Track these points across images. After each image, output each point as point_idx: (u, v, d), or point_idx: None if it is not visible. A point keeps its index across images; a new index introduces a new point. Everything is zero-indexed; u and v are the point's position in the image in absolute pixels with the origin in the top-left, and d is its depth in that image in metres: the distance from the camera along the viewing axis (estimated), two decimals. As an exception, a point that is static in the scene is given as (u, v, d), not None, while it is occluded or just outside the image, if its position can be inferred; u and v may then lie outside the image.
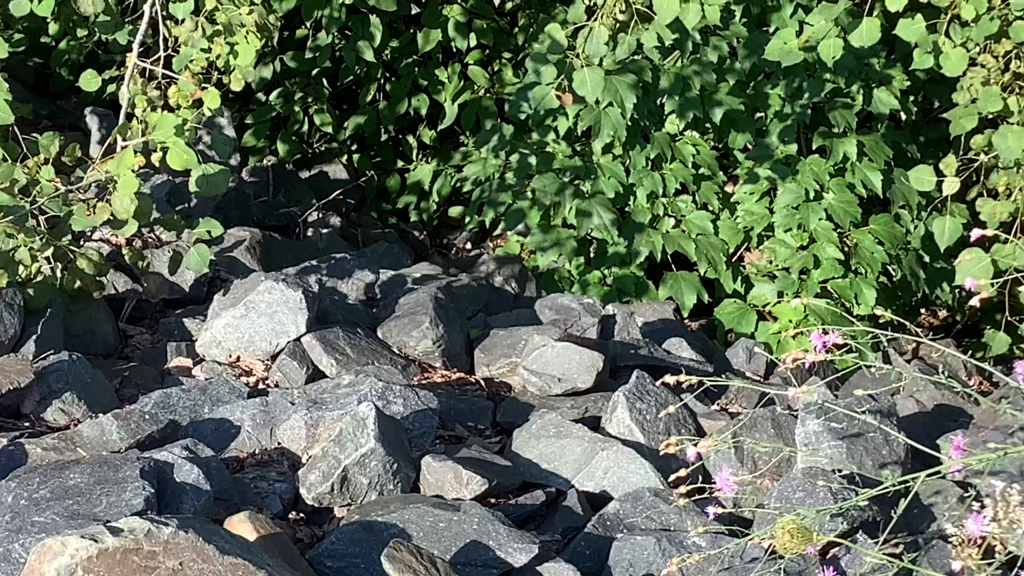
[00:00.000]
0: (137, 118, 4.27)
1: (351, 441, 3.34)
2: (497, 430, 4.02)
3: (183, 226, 4.59)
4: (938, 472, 2.60)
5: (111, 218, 4.20)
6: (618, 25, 4.99)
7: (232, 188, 5.95)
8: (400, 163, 7.47)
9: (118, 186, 4.10)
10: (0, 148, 4.28)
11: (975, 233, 2.74)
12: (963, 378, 5.08)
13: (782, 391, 3.70)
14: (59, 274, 4.24)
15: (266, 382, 4.11)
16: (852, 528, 3.21)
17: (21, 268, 4.05)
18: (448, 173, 7.22)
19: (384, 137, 7.40)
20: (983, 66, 5.05)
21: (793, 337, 4.92)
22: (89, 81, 4.48)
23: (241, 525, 2.98)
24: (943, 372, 4.38)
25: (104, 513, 2.92)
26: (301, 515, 3.35)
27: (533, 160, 6.04)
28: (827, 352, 2.54)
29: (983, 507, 2.30)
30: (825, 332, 2.50)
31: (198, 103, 4.24)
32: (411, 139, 7.44)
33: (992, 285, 2.84)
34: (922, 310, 6.84)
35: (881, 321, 5.84)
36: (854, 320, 5.35)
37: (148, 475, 3.09)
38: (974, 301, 2.54)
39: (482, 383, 4.32)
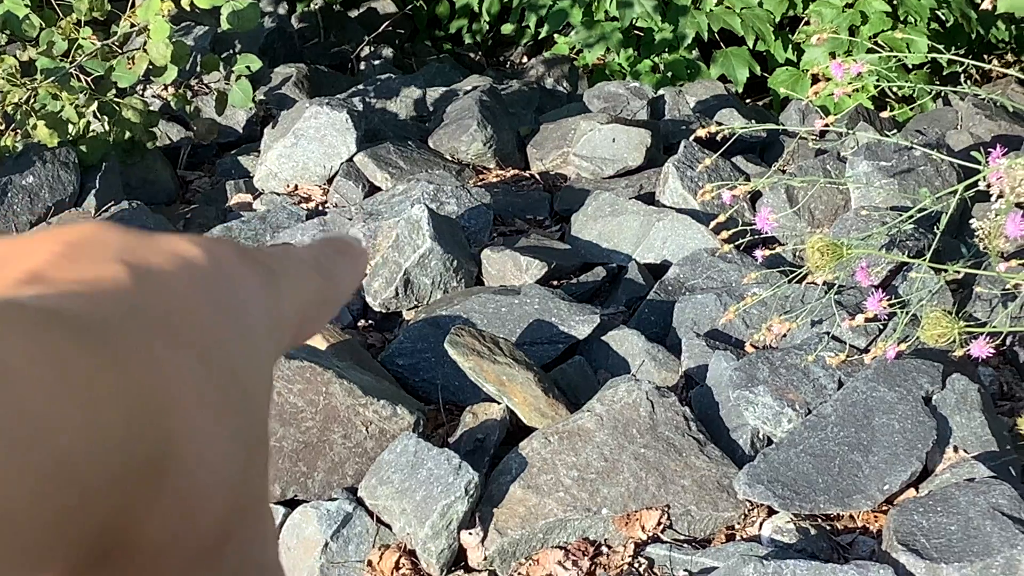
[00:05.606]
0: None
1: (408, 244, 3.40)
2: (556, 219, 4.06)
3: (219, 62, 4.61)
4: (976, 183, 2.59)
5: (151, 67, 4.24)
6: None
7: (274, 28, 5.96)
8: (447, -12, 7.41)
9: (151, 33, 4.14)
10: (36, 16, 4.33)
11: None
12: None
13: (834, 144, 3.67)
14: (108, 127, 4.30)
15: (326, 205, 4.17)
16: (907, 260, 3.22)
17: (70, 126, 4.12)
18: (495, -10, 7.14)
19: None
20: None
21: (848, 95, 4.86)
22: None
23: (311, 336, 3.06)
24: (998, 104, 4.34)
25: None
26: (371, 322, 3.43)
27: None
28: (851, 80, 2.53)
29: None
30: (842, 61, 2.49)
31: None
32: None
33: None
34: (986, 56, 6.70)
35: (945, 74, 5.76)
36: (906, 73, 5.29)
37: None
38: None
39: (537, 177, 4.35)
